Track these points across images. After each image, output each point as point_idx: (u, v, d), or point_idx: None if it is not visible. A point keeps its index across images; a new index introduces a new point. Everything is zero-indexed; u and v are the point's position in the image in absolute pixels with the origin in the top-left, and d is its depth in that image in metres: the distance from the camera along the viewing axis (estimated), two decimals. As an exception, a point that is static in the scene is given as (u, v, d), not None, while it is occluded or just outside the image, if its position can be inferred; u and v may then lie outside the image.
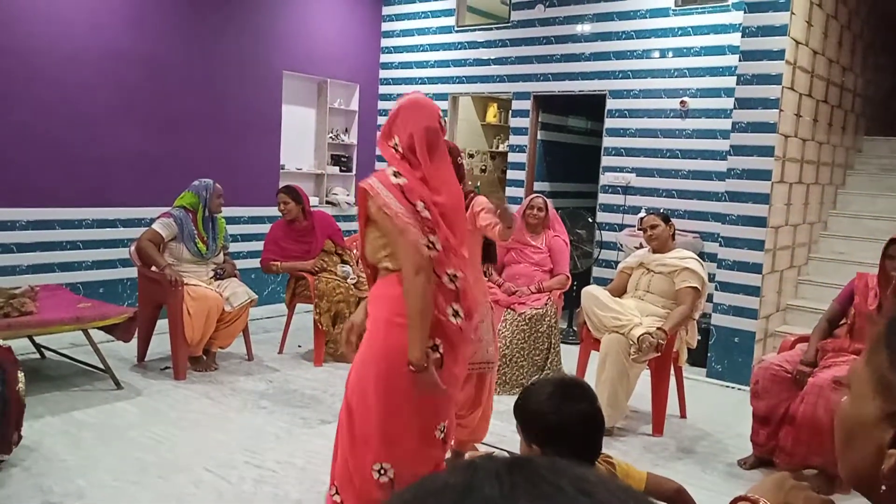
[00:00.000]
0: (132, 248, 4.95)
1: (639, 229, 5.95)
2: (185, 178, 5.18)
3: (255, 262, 6.50)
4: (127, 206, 5.87)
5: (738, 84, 5.37)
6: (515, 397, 4.78)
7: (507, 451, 3.78)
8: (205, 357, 4.90)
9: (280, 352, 5.46)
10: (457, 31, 7.43)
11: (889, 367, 0.78)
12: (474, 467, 0.48)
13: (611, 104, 6.44)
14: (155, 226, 4.79)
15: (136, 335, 4.64)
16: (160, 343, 4.98)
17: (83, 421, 3.91)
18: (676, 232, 4.61)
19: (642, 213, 6.11)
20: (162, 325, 4.89)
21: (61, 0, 5.38)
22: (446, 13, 7.48)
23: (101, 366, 4.42)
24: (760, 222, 5.28)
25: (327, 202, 7.58)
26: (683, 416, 4.53)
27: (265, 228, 5.76)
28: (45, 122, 5.38)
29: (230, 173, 6.20)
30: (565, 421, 1.72)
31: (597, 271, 6.49)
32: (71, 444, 3.60)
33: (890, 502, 0.78)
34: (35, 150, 5.34)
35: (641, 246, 5.03)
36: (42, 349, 4.88)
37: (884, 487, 0.77)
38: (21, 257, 5.37)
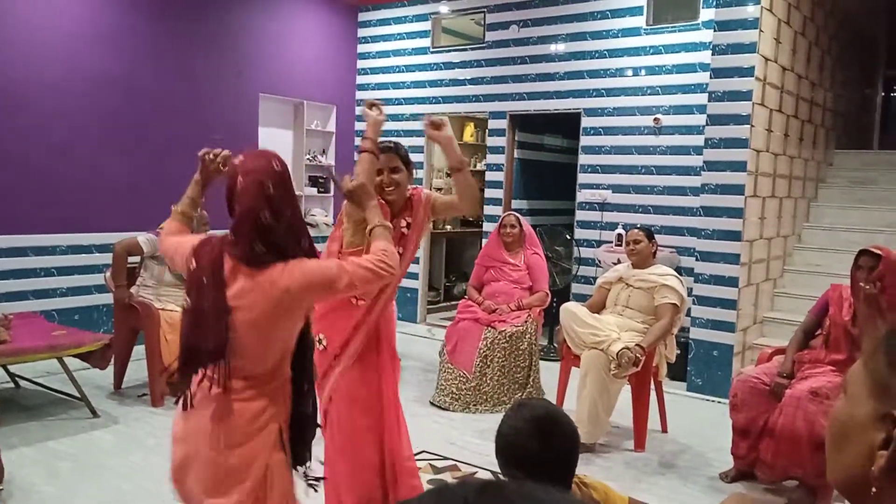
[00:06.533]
0: (107, 273, 4.90)
1: (616, 244, 6.00)
2: (161, 202, 5.11)
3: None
4: (101, 231, 5.82)
5: (709, 101, 5.45)
6: (497, 415, 4.76)
7: (490, 472, 3.77)
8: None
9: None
10: (432, 52, 7.48)
11: (887, 370, 0.80)
12: (444, 493, 0.49)
13: (586, 122, 6.51)
14: (139, 237, 4.74)
15: (112, 362, 4.58)
16: (137, 370, 4.92)
17: (59, 451, 3.85)
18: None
19: (620, 230, 6.15)
20: (138, 351, 4.83)
21: (37, 27, 5.36)
22: (422, 34, 7.54)
23: (77, 394, 4.36)
24: (735, 236, 5.34)
25: (306, 223, 7.55)
26: (664, 430, 4.55)
27: (243, 251, 5.71)
28: (18, 149, 5.32)
29: (207, 196, 6.14)
30: (531, 458, 1.65)
31: (576, 287, 6.52)
32: (47, 474, 3.54)
33: None
34: (7, 177, 5.28)
35: (619, 262, 5.06)
36: (16, 378, 4.80)
37: (874, 490, 0.78)
38: (-6, 285, 5.29)
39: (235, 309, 1.92)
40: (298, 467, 2.12)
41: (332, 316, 2.83)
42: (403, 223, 2.82)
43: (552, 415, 1.74)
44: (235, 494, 1.93)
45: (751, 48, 5.24)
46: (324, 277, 1.94)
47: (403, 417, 3.00)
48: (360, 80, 8.00)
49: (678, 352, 4.66)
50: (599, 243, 6.38)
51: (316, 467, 2.20)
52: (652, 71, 6.13)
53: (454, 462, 3.93)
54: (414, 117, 7.60)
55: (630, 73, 6.26)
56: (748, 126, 5.25)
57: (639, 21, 6.19)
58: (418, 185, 2.97)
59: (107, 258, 5.55)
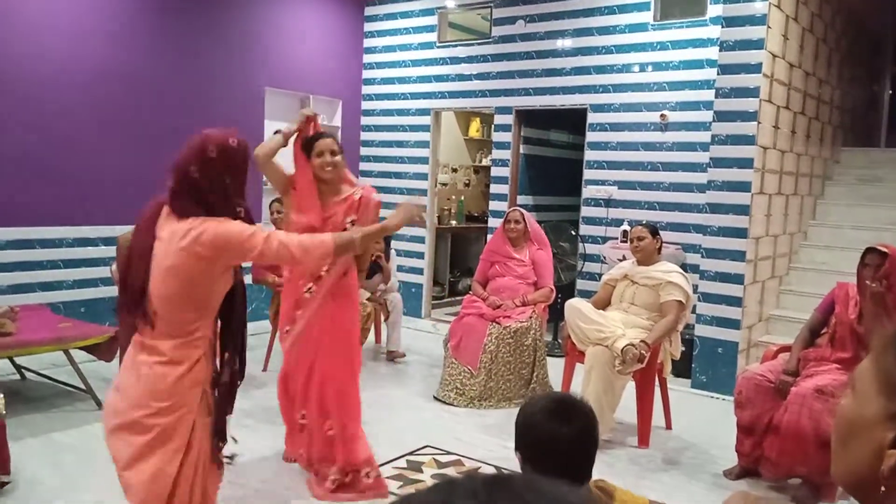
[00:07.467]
0: (113, 266, 4.91)
1: (622, 241, 6.00)
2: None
3: (238, 279, 6.47)
4: (108, 224, 5.83)
5: (716, 97, 5.43)
6: (501, 411, 4.75)
7: (495, 467, 3.78)
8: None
9: (264, 369, 5.42)
10: (439, 47, 7.47)
11: None
12: (453, 486, 0.49)
13: (592, 118, 6.49)
14: None
15: (117, 355, 4.59)
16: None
17: (64, 442, 3.86)
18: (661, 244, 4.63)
19: (625, 226, 6.14)
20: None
21: (40, 19, 5.36)
22: (428, 29, 7.53)
23: (83, 386, 4.38)
24: (741, 233, 5.33)
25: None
26: (669, 427, 4.54)
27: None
28: (24, 141, 5.33)
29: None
30: (550, 438, 1.69)
31: (580, 284, 6.51)
32: (52, 466, 3.56)
33: None
34: (14, 169, 5.30)
35: (624, 258, 5.06)
36: (22, 370, 4.82)
37: (883, 488, 0.78)
38: (0, 277, 5.31)
39: (156, 254, 2.06)
40: (219, 443, 2.23)
41: (284, 292, 3.50)
42: (348, 219, 3.26)
43: (570, 396, 1.87)
44: (159, 453, 2.05)
45: (758, 45, 5.22)
46: (235, 239, 2.06)
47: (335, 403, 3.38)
48: (367, 74, 8.00)
49: (683, 349, 4.66)
50: (605, 240, 6.37)
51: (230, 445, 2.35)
52: (659, 67, 6.11)
53: (459, 457, 3.93)
54: (420, 112, 7.60)
55: (637, 69, 6.24)
56: (755, 123, 5.24)
57: (646, 17, 6.16)
58: (370, 187, 3.45)
59: (113, 251, 5.56)
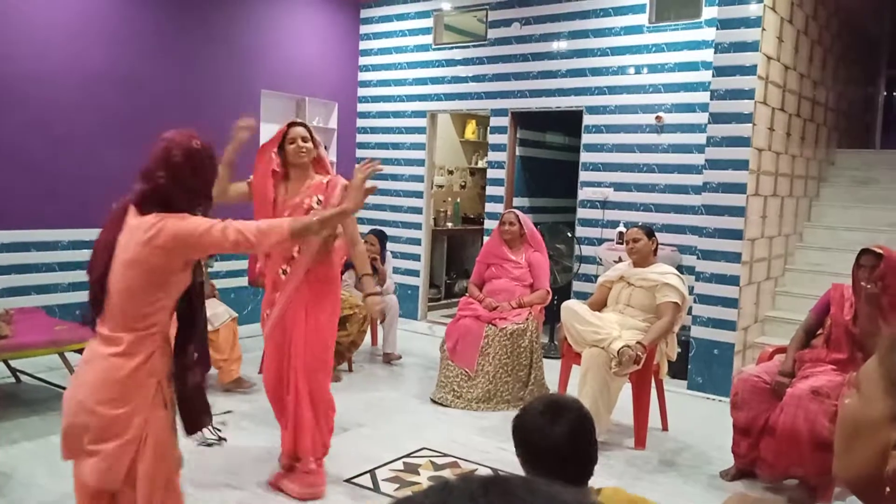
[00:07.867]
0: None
1: (618, 243, 6.00)
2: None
3: (233, 282, 6.46)
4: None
5: (711, 99, 5.45)
6: (498, 413, 4.75)
7: (491, 469, 3.78)
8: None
9: (260, 371, 5.40)
10: (434, 49, 7.47)
11: None
12: (449, 488, 0.49)
13: (588, 120, 6.50)
14: None
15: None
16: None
17: (59, 445, 3.84)
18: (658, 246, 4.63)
19: (621, 227, 6.15)
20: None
21: (39, 21, 5.36)
22: (424, 31, 7.53)
23: (79, 389, 4.35)
24: (737, 235, 5.34)
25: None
26: (665, 428, 4.55)
27: (244, 248, 5.72)
28: (20, 143, 5.32)
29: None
30: (541, 438, 1.71)
31: (577, 285, 6.52)
32: (48, 469, 3.54)
33: None
34: (10, 172, 5.29)
35: (621, 260, 5.07)
36: (18, 373, 4.81)
37: (888, 489, 0.78)
38: (-4, 280, 5.30)
39: (118, 247, 2.14)
40: (190, 435, 2.35)
41: (265, 273, 3.54)
42: (314, 199, 3.36)
43: (561, 396, 1.94)
44: (112, 444, 2.11)
45: (753, 46, 5.23)
46: (194, 233, 2.13)
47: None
48: (362, 76, 8.00)
49: (679, 350, 4.66)
50: (601, 241, 6.38)
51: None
52: (654, 69, 6.13)
53: (455, 459, 3.93)
54: (416, 114, 7.61)
55: (632, 70, 6.25)
56: (750, 125, 5.25)
57: (641, 19, 6.18)
58: (339, 176, 3.51)
59: (108, 254, 5.55)
